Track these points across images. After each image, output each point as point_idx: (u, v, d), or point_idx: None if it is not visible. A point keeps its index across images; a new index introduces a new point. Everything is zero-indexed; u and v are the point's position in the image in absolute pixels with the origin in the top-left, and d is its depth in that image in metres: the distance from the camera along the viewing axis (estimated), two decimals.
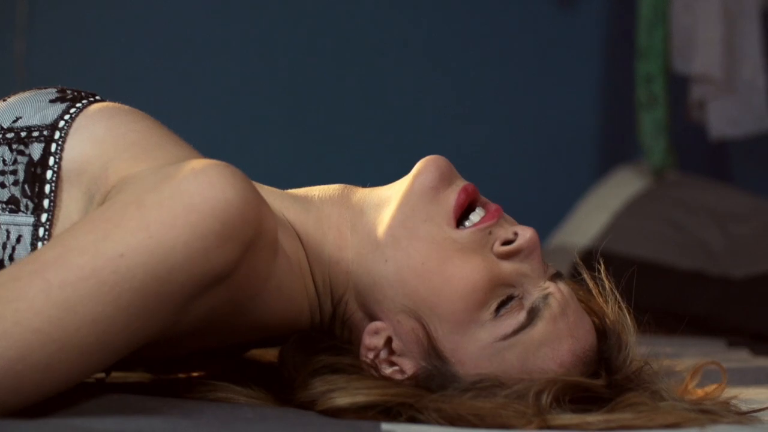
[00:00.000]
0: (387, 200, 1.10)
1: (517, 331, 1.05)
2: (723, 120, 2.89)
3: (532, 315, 1.06)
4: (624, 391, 1.06)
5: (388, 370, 1.06)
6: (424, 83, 3.17)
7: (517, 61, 3.24)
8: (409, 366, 1.06)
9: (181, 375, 1.17)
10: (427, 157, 1.11)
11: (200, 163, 0.96)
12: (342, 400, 1.00)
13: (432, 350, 1.05)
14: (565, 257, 2.69)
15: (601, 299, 1.14)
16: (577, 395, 1.03)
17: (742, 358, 1.82)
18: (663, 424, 1.01)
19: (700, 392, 1.14)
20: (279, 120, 3.05)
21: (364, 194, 1.14)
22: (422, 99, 3.16)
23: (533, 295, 1.07)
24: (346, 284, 1.10)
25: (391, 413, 1.01)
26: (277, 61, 3.06)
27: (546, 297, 1.07)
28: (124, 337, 0.92)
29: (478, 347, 1.05)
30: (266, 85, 3.05)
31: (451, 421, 1.00)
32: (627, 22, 3.11)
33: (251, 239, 0.96)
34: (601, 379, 1.06)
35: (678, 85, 2.99)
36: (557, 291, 1.08)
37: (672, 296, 2.49)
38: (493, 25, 3.22)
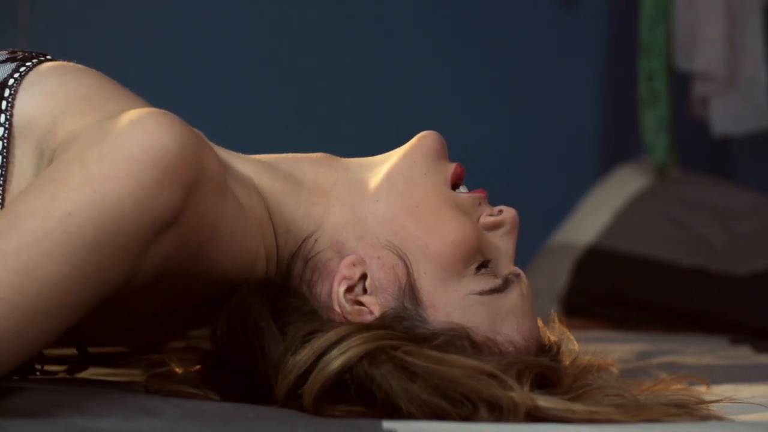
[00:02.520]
0: (380, 162, 1.15)
1: (492, 292, 1.08)
2: (725, 117, 2.89)
3: (507, 284, 1.09)
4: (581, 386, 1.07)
5: (354, 308, 1.06)
6: (425, 81, 3.17)
7: (519, 58, 3.24)
8: (377, 306, 1.06)
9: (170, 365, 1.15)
10: (429, 131, 1.17)
11: (137, 114, 0.97)
12: (337, 362, 0.99)
13: (409, 289, 1.06)
14: (567, 255, 2.69)
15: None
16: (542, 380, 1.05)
17: (744, 355, 1.82)
18: (645, 419, 1.01)
19: (658, 387, 1.14)
20: (279, 114, 3.06)
21: (350, 160, 1.17)
22: (424, 96, 3.16)
23: (503, 272, 1.10)
24: (320, 223, 1.11)
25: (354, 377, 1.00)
26: (278, 56, 3.07)
27: (518, 275, 1.10)
28: (85, 294, 0.93)
29: (454, 296, 1.07)
30: (268, 81, 3.05)
31: (407, 375, 0.99)
32: (629, 19, 3.11)
33: (193, 183, 0.97)
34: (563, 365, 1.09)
35: (680, 82, 2.99)
36: (524, 276, 1.12)
37: (674, 293, 2.49)
38: (495, 23, 3.22)
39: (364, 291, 1.07)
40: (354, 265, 1.08)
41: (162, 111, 0.99)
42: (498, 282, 1.09)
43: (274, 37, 3.06)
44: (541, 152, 3.25)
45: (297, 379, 0.99)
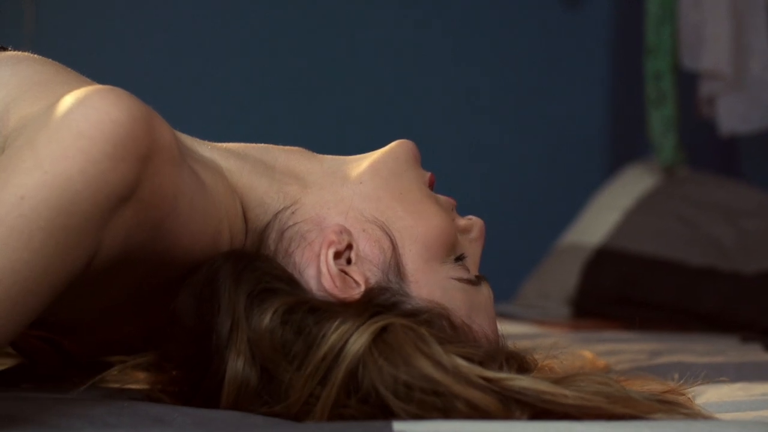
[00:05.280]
0: (357, 158, 1.15)
1: (468, 282, 1.09)
2: (733, 116, 2.88)
3: (479, 280, 1.11)
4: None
5: (341, 276, 1.05)
6: (431, 83, 3.18)
7: (526, 60, 3.24)
8: (362, 277, 1.05)
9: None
10: (406, 139, 1.18)
11: (82, 91, 0.96)
12: (357, 341, 0.97)
13: (394, 263, 1.06)
14: (577, 256, 2.69)
15: None
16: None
17: (756, 354, 1.82)
18: (633, 412, 0.99)
19: (637, 382, 1.13)
20: (284, 118, 3.06)
21: (324, 155, 1.17)
22: (429, 99, 3.17)
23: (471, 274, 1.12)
24: (296, 198, 1.10)
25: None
26: (283, 59, 3.07)
27: (485, 279, 1.12)
28: (48, 280, 0.91)
29: (437, 277, 1.08)
30: (273, 85, 3.06)
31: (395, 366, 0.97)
32: (635, 20, 3.11)
33: (146, 155, 0.95)
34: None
35: (687, 82, 2.98)
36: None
37: (683, 293, 2.49)
38: (501, 25, 3.22)
39: (348, 263, 1.07)
40: (341, 232, 1.07)
41: (109, 86, 0.97)
42: (473, 276, 1.10)
43: (280, 36, 3.07)
44: (549, 154, 3.25)
45: (316, 385, 0.98)
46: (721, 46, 2.84)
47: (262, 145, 1.19)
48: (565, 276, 2.66)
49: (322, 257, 1.05)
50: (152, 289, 1.07)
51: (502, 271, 2.72)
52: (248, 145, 1.18)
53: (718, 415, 1.10)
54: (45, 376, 1.19)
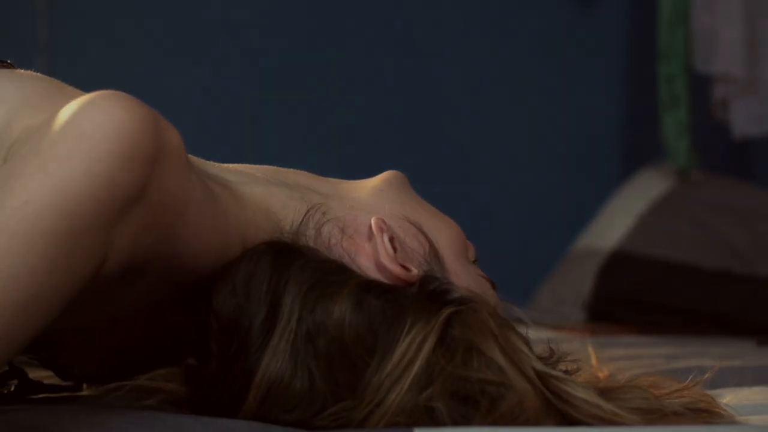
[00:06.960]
0: (359, 181, 1.16)
1: (490, 281, 1.11)
2: (746, 119, 2.88)
3: (493, 285, 1.12)
4: None
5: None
6: (442, 87, 3.17)
7: (538, 64, 3.23)
8: (410, 265, 1.05)
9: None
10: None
11: (87, 96, 0.95)
12: (427, 342, 0.96)
13: (434, 255, 1.07)
14: (592, 261, 2.69)
15: None
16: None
17: None
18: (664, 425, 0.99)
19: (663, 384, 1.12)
20: (291, 123, 3.06)
21: (329, 178, 1.17)
22: (441, 103, 3.16)
23: None
24: (321, 202, 1.09)
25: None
26: (292, 63, 3.07)
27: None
28: (53, 286, 0.90)
29: (468, 271, 1.09)
30: (282, 89, 3.06)
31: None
32: (647, 23, 3.11)
33: (154, 155, 0.93)
34: None
35: (701, 85, 2.98)
36: None
37: (699, 296, 2.49)
38: (513, 28, 3.22)
39: (394, 249, 1.06)
40: (384, 222, 1.07)
41: (113, 91, 0.95)
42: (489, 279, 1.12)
43: (288, 40, 3.07)
44: (562, 158, 3.24)
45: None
46: (733, 49, 2.84)
47: (267, 166, 1.18)
48: (580, 280, 2.66)
49: (378, 239, 1.05)
50: (158, 298, 1.06)
51: (517, 277, 2.72)
52: (254, 166, 1.17)
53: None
54: (46, 387, 1.19)
